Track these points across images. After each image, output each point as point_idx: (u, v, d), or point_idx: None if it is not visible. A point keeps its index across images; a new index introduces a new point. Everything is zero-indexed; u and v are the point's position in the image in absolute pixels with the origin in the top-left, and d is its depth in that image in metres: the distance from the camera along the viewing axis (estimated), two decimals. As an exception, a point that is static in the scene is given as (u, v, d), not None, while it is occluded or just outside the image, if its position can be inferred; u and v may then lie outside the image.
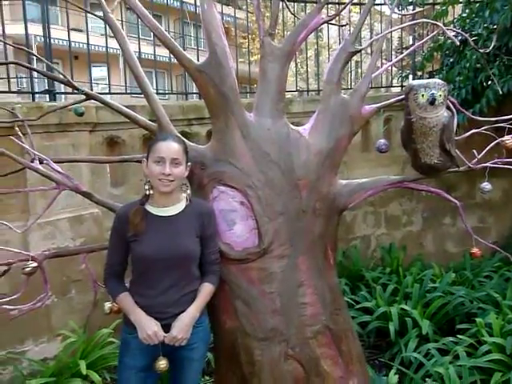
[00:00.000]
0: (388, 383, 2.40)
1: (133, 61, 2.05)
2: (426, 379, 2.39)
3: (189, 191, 1.84)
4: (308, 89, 4.86)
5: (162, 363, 1.71)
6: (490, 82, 3.85)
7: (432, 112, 2.02)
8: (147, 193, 1.76)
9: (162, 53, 4.02)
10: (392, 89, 5.66)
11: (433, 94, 2.00)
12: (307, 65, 5.07)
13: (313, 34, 2.32)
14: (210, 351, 2.86)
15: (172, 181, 1.69)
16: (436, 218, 4.69)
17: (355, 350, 2.05)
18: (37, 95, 3.20)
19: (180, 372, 1.83)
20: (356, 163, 4.31)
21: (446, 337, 2.88)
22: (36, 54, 2.20)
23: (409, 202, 4.66)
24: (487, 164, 2.14)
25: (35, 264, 1.85)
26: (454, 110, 2.17)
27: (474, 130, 2.21)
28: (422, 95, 2.02)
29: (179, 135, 2.00)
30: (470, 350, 2.65)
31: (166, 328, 1.70)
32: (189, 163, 1.80)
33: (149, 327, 1.66)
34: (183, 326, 1.69)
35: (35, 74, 3.52)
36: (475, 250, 2.19)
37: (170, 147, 1.70)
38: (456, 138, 2.14)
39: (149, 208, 1.76)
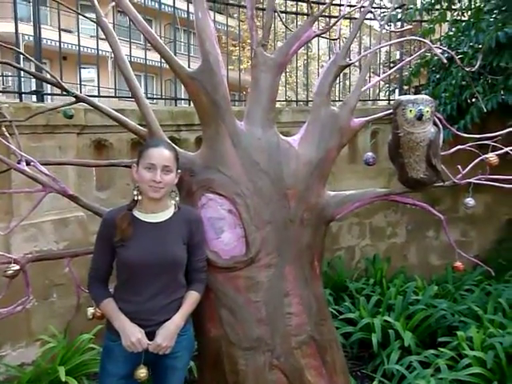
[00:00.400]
0: (370, 395, 2.41)
1: (124, 64, 2.04)
2: (408, 391, 2.41)
3: (177, 198, 1.84)
4: (297, 99, 4.91)
5: (142, 372, 1.69)
6: (474, 100, 3.95)
7: (419, 127, 2.06)
8: (135, 198, 1.75)
9: (152, 57, 4.02)
10: (379, 102, 5.76)
11: (420, 109, 2.05)
12: (297, 75, 5.11)
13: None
14: (192, 359, 2.84)
15: (162, 188, 1.68)
16: (420, 231, 4.76)
17: (339, 360, 2.06)
18: (23, 95, 3.15)
19: (163, 381, 1.81)
20: (343, 174, 4.36)
21: (428, 349, 2.90)
22: (25, 53, 2.17)
23: (394, 214, 4.72)
24: (471, 180, 2.19)
25: (18, 267, 1.81)
26: (440, 125, 2.23)
27: (459, 146, 2.27)
28: (410, 110, 2.06)
29: (170, 142, 1.99)
30: (451, 363, 2.68)
31: (150, 335, 1.68)
32: (179, 170, 1.80)
33: (133, 334, 1.64)
34: (168, 333, 1.68)
35: (22, 74, 3.47)
36: (458, 263, 2.23)
37: (161, 154, 1.69)
38: (441, 154, 2.19)
39: (137, 214, 1.75)
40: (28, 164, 1.93)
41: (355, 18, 4.68)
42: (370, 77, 4.93)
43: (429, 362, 2.77)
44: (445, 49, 2.31)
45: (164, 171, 1.68)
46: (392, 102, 5.31)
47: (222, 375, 1.92)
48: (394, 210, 4.71)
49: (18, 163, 1.92)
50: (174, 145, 1.92)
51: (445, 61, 2.29)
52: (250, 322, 1.89)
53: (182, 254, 1.75)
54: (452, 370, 2.62)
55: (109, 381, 1.73)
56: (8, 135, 2.15)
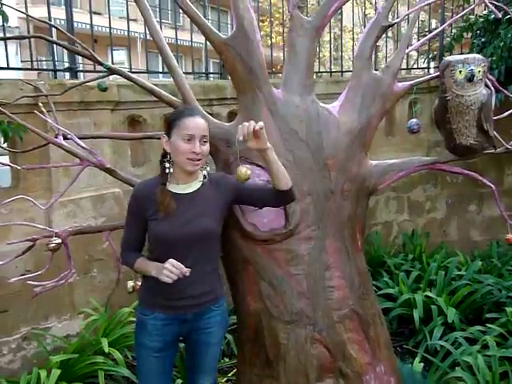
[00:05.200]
0: (413, 371, 2.34)
1: (157, 34, 1.98)
2: (456, 368, 2.32)
3: (208, 168, 1.75)
4: (331, 69, 4.72)
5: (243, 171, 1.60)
6: (525, 63, 3.67)
7: (470, 89, 1.92)
8: (167, 171, 1.66)
9: (180, 36, 3.94)
10: (416, 71, 5.48)
11: (471, 69, 1.90)
12: (331, 43, 4.89)
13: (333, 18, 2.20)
14: (231, 333, 2.86)
15: (200, 159, 1.63)
16: (461, 205, 4.56)
17: (382, 335, 1.99)
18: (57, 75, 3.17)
19: (197, 355, 1.79)
20: (379, 147, 4.19)
21: (473, 326, 2.79)
22: (58, 27, 2.14)
23: (433, 187, 4.53)
24: (527, 146, 2.02)
25: (59, 240, 1.84)
26: (492, 88, 2.06)
27: (514, 110, 2.09)
28: (460, 71, 1.92)
29: (202, 111, 1.93)
30: (499, 340, 2.56)
31: (183, 309, 1.66)
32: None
33: (163, 265, 1.55)
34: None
35: (56, 55, 3.48)
36: (511, 236, 2.10)
37: (199, 124, 1.62)
38: (494, 118, 2.03)
39: (168, 186, 1.68)
40: (65, 138, 1.93)
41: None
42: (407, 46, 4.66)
43: (475, 338, 2.66)
44: (498, 3, 2.10)
45: (201, 142, 1.62)
46: (431, 71, 5.04)
47: (263, 349, 1.89)
48: (434, 183, 4.52)
49: (56, 137, 1.91)
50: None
51: (499, 15, 2.10)
52: (290, 295, 1.85)
53: (216, 226, 1.69)
54: (501, 347, 2.50)
55: (146, 355, 1.72)
56: (45, 111, 2.16)
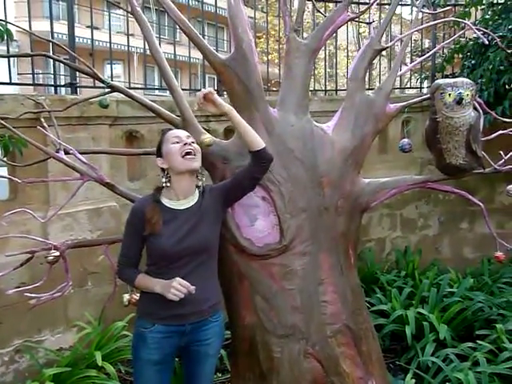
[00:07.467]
0: (405, 386, 2.36)
1: (158, 54, 2.05)
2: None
3: (204, 179, 1.83)
4: (325, 88, 4.83)
5: (207, 136, 1.78)
6: (513, 85, 3.78)
7: (459, 112, 2.00)
8: (164, 185, 1.75)
9: (179, 52, 4.04)
10: (409, 90, 5.60)
11: (460, 93, 1.98)
12: (325, 62, 5.02)
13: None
14: (223, 348, 2.86)
15: (195, 155, 1.72)
16: (453, 223, 4.62)
17: (375, 351, 2.02)
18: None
19: (195, 367, 1.81)
20: (373, 165, 4.26)
21: (464, 342, 2.82)
22: (61, 45, 2.20)
23: (425, 205, 4.60)
24: (514, 166, 2.09)
25: (57, 253, 1.86)
26: (481, 110, 2.14)
27: (501, 131, 2.18)
28: (449, 94, 2.00)
29: (203, 130, 2.00)
30: (489, 357, 2.60)
31: (184, 318, 1.68)
32: None
33: (171, 282, 1.62)
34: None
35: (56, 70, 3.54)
36: (499, 253, 2.15)
37: (182, 131, 1.80)
38: (482, 139, 2.10)
39: (166, 202, 1.74)
40: (66, 153, 1.97)
41: (386, 4, 4.56)
42: (400, 66, 4.78)
43: (465, 355, 2.69)
44: (486, 31, 2.20)
45: (189, 143, 1.73)
46: (424, 90, 5.16)
47: (256, 362, 1.91)
48: (426, 201, 4.59)
49: (57, 152, 1.96)
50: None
51: (486, 42, 2.20)
52: (284, 309, 1.88)
53: (215, 237, 1.77)
54: (491, 363, 2.53)
55: (145, 368, 1.73)
56: (46, 126, 2.20)
